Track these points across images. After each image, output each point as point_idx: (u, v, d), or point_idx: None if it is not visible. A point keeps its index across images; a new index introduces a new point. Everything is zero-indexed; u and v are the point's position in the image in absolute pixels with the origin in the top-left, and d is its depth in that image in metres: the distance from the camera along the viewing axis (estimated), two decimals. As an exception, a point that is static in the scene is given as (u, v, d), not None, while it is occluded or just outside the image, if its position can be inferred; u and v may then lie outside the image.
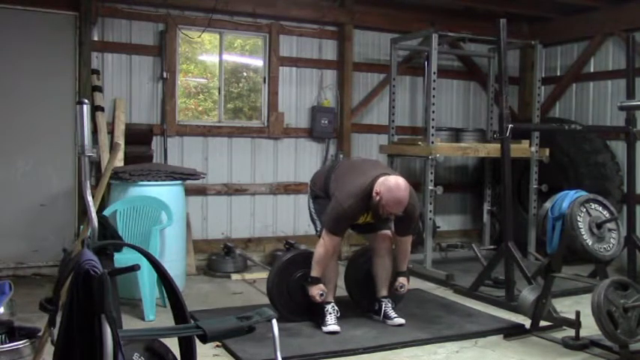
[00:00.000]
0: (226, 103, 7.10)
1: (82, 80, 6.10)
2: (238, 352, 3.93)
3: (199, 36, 6.69)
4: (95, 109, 6.07)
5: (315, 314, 4.55)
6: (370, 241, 4.80)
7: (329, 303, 4.52)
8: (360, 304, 4.92)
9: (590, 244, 4.32)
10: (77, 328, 2.11)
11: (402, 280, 4.69)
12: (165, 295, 2.47)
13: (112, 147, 5.88)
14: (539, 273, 4.90)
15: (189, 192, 6.16)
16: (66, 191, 6.15)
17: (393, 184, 4.23)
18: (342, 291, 5.04)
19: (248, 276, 6.22)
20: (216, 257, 6.41)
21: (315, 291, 4.43)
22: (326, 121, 7.21)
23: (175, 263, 5.28)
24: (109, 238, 3.89)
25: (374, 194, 4.24)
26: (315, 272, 4.45)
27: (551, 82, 8.06)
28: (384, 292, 4.71)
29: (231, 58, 7.25)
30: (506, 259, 5.22)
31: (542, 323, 4.50)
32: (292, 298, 4.62)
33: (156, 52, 6.56)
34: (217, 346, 4.08)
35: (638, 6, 6.85)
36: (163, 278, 2.43)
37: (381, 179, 4.27)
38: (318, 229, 4.61)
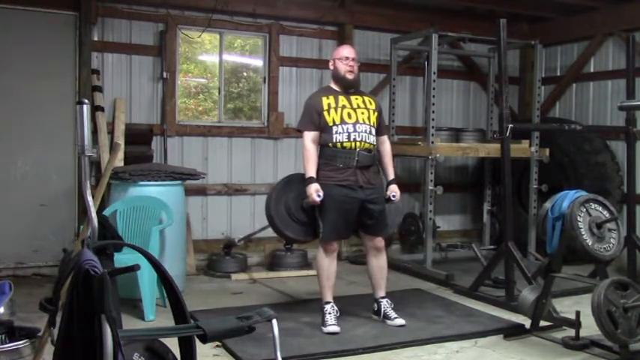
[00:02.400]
0: (226, 103, 7.11)
1: (82, 80, 6.11)
2: (238, 352, 3.93)
3: (199, 36, 6.69)
4: (95, 109, 6.07)
5: (315, 232, 4.60)
6: (364, 240, 4.76)
7: (328, 303, 4.52)
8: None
9: (590, 244, 4.32)
10: (77, 328, 2.11)
11: (392, 187, 4.67)
12: (165, 295, 2.47)
13: (112, 147, 5.88)
14: (539, 273, 4.90)
15: (189, 192, 6.17)
16: (66, 191, 6.15)
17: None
18: (343, 291, 5.05)
19: (248, 276, 6.22)
20: (216, 257, 6.42)
21: (312, 189, 4.41)
22: (326, 121, 7.20)
23: (175, 263, 5.27)
24: (109, 238, 3.89)
25: (330, 65, 4.67)
26: (307, 173, 4.48)
27: (551, 82, 8.06)
28: (381, 292, 4.70)
29: (231, 58, 7.25)
30: (506, 259, 5.22)
31: (542, 323, 4.50)
32: (292, 217, 4.67)
33: (156, 52, 6.56)
34: (217, 346, 4.08)
35: (638, 6, 6.85)
36: (163, 278, 2.43)
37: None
38: (321, 230, 4.56)
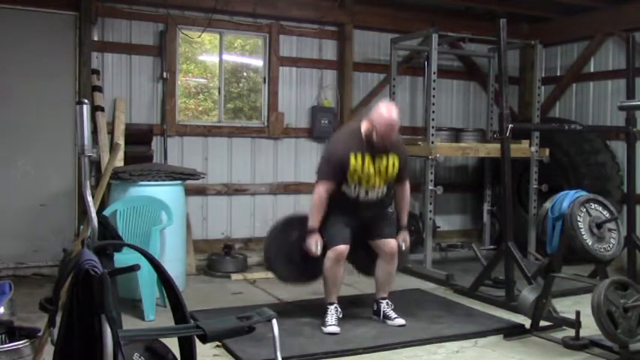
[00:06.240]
0: (226, 103, 7.11)
1: (82, 80, 6.11)
2: (238, 352, 3.93)
3: (199, 36, 6.69)
4: (95, 109, 6.07)
5: (314, 275, 4.55)
6: (376, 247, 4.69)
7: (332, 304, 4.52)
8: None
9: (590, 244, 4.32)
10: (77, 328, 2.11)
11: (403, 235, 4.68)
12: (165, 295, 2.47)
13: (112, 147, 5.88)
14: (539, 273, 4.90)
15: (189, 192, 6.16)
16: (66, 191, 6.14)
17: (384, 107, 4.33)
18: (343, 291, 5.05)
19: (248, 276, 6.22)
20: (216, 257, 6.41)
21: (312, 240, 4.39)
22: (326, 121, 7.21)
23: (175, 263, 5.27)
24: (108, 238, 3.88)
25: (366, 124, 4.34)
26: (311, 221, 4.42)
27: (551, 82, 8.06)
28: (383, 293, 4.70)
29: (231, 58, 7.25)
30: (506, 259, 5.21)
31: (542, 323, 4.50)
32: (291, 259, 4.62)
33: (156, 52, 6.56)
34: (217, 346, 4.08)
35: (638, 6, 6.85)
36: (163, 278, 2.43)
37: (370, 112, 4.39)
38: (325, 238, 4.50)
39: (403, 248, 4.69)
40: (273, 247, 4.67)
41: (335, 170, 4.38)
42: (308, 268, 4.58)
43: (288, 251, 4.64)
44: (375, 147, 4.35)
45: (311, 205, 4.46)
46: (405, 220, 4.71)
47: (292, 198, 7.23)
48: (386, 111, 4.29)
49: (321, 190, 4.39)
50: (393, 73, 7.12)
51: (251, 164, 7.06)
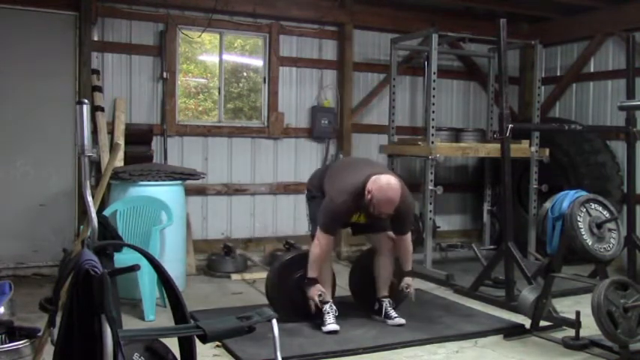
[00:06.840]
0: (226, 103, 7.10)
1: (82, 80, 6.10)
2: (238, 352, 3.93)
3: (199, 36, 6.69)
4: (95, 109, 6.07)
5: (315, 314, 4.54)
6: (372, 241, 4.78)
7: (326, 303, 4.51)
8: (365, 305, 4.86)
9: (590, 244, 4.32)
10: (77, 328, 2.11)
11: (407, 280, 4.67)
12: (165, 295, 2.48)
13: (112, 147, 5.88)
14: (539, 273, 4.90)
15: (189, 192, 6.17)
16: (66, 191, 6.14)
17: (384, 184, 4.21)
18: (343, 291, 5.05)
19: (248, 276, 6.22)
20: (216, 257, 6.41)
21: (314, 292, 4.42)
22: (326, 121, 7.21)
23: (175, 263, 5.28)
24: (109, 238, 3.88)
25: (366, 192, 4.23)
26: (312, 273, 4.43)
27: (551, 82, 8.06)
28: (384, 292, 4.71)
29: (231, 58, 7.25)
30: (506, 259, 5.22)
31: (542, 323, 4.50)
32: (292, 298, 4.61)
33: (156, 52, 6.56)
34: (217, 346, 4.08)
35: (638, 6, 6.86)
36: (163, 278, 2.43)
37: (374, 177, 4.26)
38: (319, 222, 4.51)
39: (407, 292, 4.69)
40: (275, 285, 4.66)
41: (338, 225, 4.51)
42: (307, 307, 4.53)
43: (289, 289, 4.62)
44: (371, 213, 4.35)
45: (312, 257, 4.42)
46: (407, 266, 4.69)
47: (292, 198, 7.23)
48: (386, 188, 4.19)
49: (324, 243, 4.38)
50: (393, 73, 7.12)
51: (251, 164, 7.06)
